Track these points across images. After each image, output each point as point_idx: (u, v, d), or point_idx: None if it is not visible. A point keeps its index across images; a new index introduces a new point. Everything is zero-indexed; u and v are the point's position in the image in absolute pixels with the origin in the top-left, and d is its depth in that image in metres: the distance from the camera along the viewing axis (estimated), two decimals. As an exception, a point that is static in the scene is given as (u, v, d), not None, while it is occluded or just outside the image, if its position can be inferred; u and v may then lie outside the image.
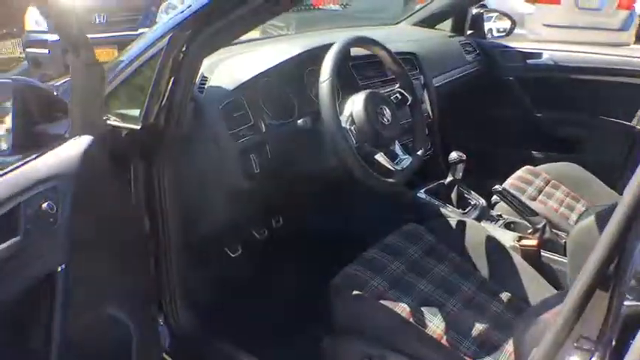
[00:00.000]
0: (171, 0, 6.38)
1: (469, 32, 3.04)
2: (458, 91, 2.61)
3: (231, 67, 1.75)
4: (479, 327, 1.44)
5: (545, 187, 2.23)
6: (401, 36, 2.68)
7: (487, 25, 3.18)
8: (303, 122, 1.69)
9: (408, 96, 1.81)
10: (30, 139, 1.29)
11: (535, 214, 1.93)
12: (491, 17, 3.43)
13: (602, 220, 1.42)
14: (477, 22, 3.07)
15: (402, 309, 1.44)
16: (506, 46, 2.94)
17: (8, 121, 1.29)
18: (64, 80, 2.23)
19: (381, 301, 1.45)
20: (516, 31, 3.16)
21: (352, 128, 1.60)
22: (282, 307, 1.95)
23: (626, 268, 0.83)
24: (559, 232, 1.95)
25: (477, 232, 1.76)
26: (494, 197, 2.14)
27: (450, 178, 2.13)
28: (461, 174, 2.10)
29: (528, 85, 2.87)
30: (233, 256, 1.98)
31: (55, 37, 5.95)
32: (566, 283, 1.68)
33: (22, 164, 1.20)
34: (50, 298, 1.21)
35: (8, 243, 1.12)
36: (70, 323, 1.24)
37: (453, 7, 2.92)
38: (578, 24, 6.25)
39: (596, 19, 6.44)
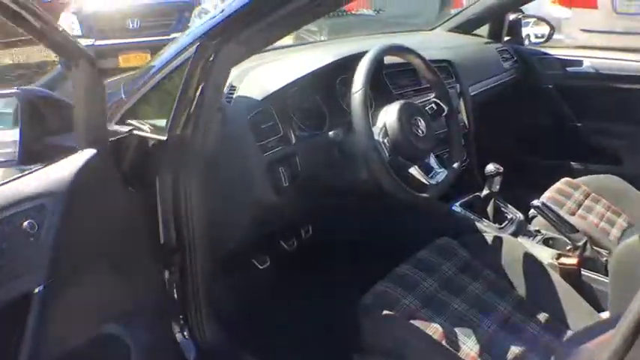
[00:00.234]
0: (204, 5, 6.42)
1: (506, 38, 2.95)
2: (494, 99, 2.53)
3: (260, 76, 1.71)
4: (515, 350, 1.38)
5: (585, 200, 2.14)
6: (436, 42, 2.60)
7: (524, 31, 3.09)
8: (334, 134, 1.64)
9: (444, 106, 1.75)
10: (39, 151, 1.27)
11: (575, 230, 1.85)
12: (529, 23, 3.34)
13: None
14: (515, 27, 2.97)
15: (435, 330, 1.39)
16: (545, 53, 2.84)
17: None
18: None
19: (413, 321, 1.40)
20: (553, 36, 3.05)
21: (385, 141, 1.54)
22: (310, 321, 1.89)
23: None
24: (600, 250, 1.87)
25: (514, 248, 1.69)
26: (532, 211, 2.05)
27: (486, 191, 2.05)
28: (498, 187, 2.02)
29: (568, 94, 2.77)
30: (261, 267, 1.94)
31: (88, 41, 6.04)
32: (606, 305, 1.59)
33: (15, 179, 1.18)
34: (23, 320, 1.16)
35: None
36: (46, 346, 1.20)
37: (490, 12, 2.82)
38: (617, 29, 6.07)
39: (635, 23, 6.25)
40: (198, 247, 1.51)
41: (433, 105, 1.74)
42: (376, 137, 1.52)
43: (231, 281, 1.81)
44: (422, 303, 1.46)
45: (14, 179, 1.17)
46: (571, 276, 1.68)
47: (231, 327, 1.66)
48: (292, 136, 1.63)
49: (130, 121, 1.49)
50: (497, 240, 1.72)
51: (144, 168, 1.42)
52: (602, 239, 1.95)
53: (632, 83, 2.60)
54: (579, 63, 2.73)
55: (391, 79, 2.00)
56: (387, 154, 1.53)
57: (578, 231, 1.84)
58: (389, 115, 1.58)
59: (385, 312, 1.42)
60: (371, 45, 1.66)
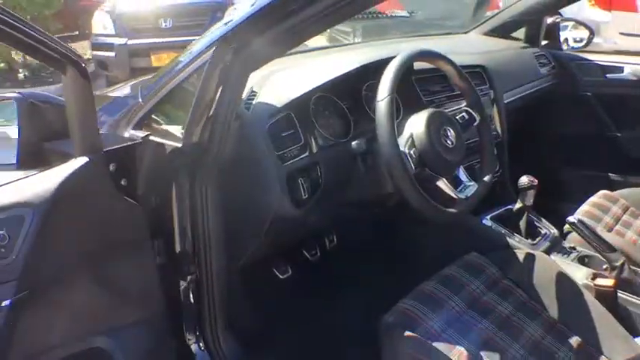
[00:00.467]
0: (237, 5, 6.39)
1: (543, 42, 2.83)
2: (530, 107, 2.43)
3: (282, 81, 1.64)
4: None
5: (623, 215, 2.07)
6: (470, 46, 2.51)
7: (562, 35, 2.96)
8: (357, 145, 1.56)
9: (476, 115, 1.66)
10: (38, 155, 1.24)
11: (612, 249, 1.76)
12: (567, 26, 3.21)
13: None
14: (553, 31, 2.86)
15: (459, 354, 1.33)
16: (584, 59, 2.72)
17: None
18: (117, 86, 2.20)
19: (435, 344, 1.34)
20: (592, 40, 2.93)
21: (412, 152, 1.46)
22: (331, 334, 1.83)
23: None
24: (638, 270, 1.77)
25: (547, 266, 1.62)
26: (567, 226, 1.95)
27: (519, 205, 1.95)
28: (531, 200, 1.92)
29: (607, 102, 2.65)
30: (282, 277, 1.89)
31: (121, 40, 6.07)
32: (643, 329, 1.52)
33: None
34: None
35: None
36: None
37: (527, 15, 2.71)
38: (657, 33, 5.88)
39: (676, 27, 6.05)
40: (215, 256, 1.47)
41: (464, 114, 1.65)
42: (402, 148, 1.44)
43: (250, 291, 1.76)
44: (446, 324, 1.41)
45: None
46: (607, 298, 1.59)
47: (248, 340, 1.61)
48: (314, 144, 1.56)
49: (146, 126, 1.45)
50: (530, 257, 1.64)
51: (160, 174, 1.37)
52: (641, 258, 1.86)
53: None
54: (619, 69, 2.63)
55: (421, 84, 1.92)
56: (413, 167, 1.45)
57: (615, 250, 1.75)
58: (416, 125, 1.50)
59: (407, 333, 1.36)
60: (402, 49, 1.59)
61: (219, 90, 1.30)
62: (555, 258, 1.83)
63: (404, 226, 1.97)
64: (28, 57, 8.07)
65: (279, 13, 1.21)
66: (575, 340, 1.42)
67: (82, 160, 1.20)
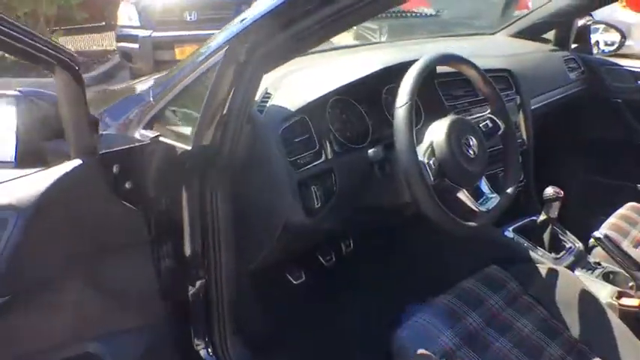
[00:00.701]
0: (253, 2, 6.35)
1: (573, 46, 2.73)
2: (558, 114, 2.34)
3: (298, 83, 1.58)
4: None
5: (653, 229, 1.98)
6: (496, 49, 2.43)
7: (593, 38, 2.87)
8: (374, 152, 1.49)
9: (501, 124, 1.58)
10: (36, 155, 1.20)
11: (638, 267, 1.69)
12: (598, 29, 3.11)
13: None
14: (583, 34, 2.77)
15: None
16: (614, 64, 2.63)
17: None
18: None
19: None
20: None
21: (431, 162, 1.39)
22: (343, 341, 1.79)
23: None
24: (666, 290, 1.70)
25: (570, 283, 1.56)
26: (592, 240, 1.90)
27: (543, 217, 1.88)
28: (556, 213, 1.85)
29: (638, 109, 2.56)
30: (295, 283, 1.84)
31: (145, 32, 6.07)
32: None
33: None
34: None
35: None
36: None
37: (557, 17, 2.60)
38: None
39: None
40: (225, 260, 1.43)
41: (488, 122, 1.57)
42: (421, 157, 1.37)
43: (261, 296, 1.72)
44: (462, 341, 1.36)
45: None
46: (631, 318, 1.54)
47: (258, 345, 1.57)
48: (329, 150, 1.50)
49: (156, 126, 1.40)
50: (553, 273, 1.59)
51: (169, 176, 1.33)
52: (670, 277, 1.79)
53: None
54: (652, 76, 2.53)
55: (444, 89, 1.85)
56: (432, 177, 1.38)
57: (642, 267, 1.70)
58: (437, 133, 1.43)
59: (420, 351, 1.32)
60: (425, 51, 1.53)
61: (232, 91, 1.25)
62: (579, 274, 1.79)
63: (422, 234, 1.91)
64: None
65: (295, 12, 1.15)
66: None
67: (75, 162, 1.16)
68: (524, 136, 2.11)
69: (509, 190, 1.56)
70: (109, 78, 7.45)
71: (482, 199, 1.52)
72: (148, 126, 1.41)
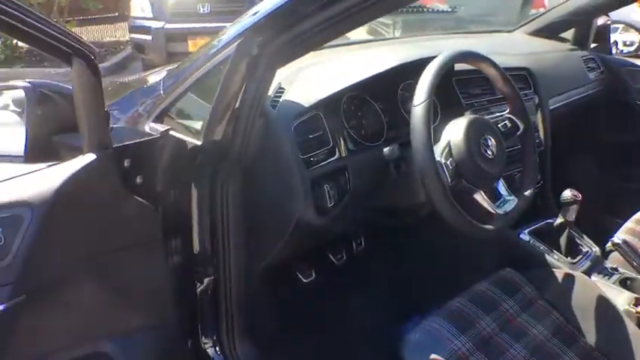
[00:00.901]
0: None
1: (593, 45, 2.68)
2: (575, 114, 2.29)
3: (312, 78, 1.55)
4: None
5: (672, 234, 1.92)
6: (514, 47, 2.37)
7: (611, 38, 2.82)
8: (390, 151, 1.46)
9: (520, 124, 1.54)
10: (47, 149, 1.17)
11: (657, 273, 1.66)
12: (617, 29, 3.05)
13: None
14: (603, 34, 2.71)
15: None
16: (635, 65, 2.58)
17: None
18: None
19: None
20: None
21: (448, 162, 1.35)
22: (353, 341, 1.76)
23: None
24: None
25: (587, 289, 1.53)
26: (610, 244, 1.88)
27: (560, 220, 1.83)
28: (574, 216, 1.80)
29: None
30: (305, 281, 1.81)
31: (158, 24, 6.05)
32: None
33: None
34: None
35: None
36: None
37: (576, 15, 2.53)
38: None
39: None
40: (234, 258, 1.40)
41: (507, 122, 1.54)
42: (437, 158, 1.34)
43: (271, 295, 1.69)
44: (475, 346, 1.33)
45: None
46: None
47: (267, 344, 1.55)
48: (343, 148, 1.47)
49: (167, 119, 1.38)
50: (569, 278, 1.55)
51: (179, 171, 1.30)
52: (690, 284, 1.75)
53: None
54: (674, 77, 2.47)
55: (461, 87, 1.81)
56: (449, 178, 1.34)
57: (660, 274, 1.66)
58: (455, 132, 1.40)
59: (432, 355, 1.29)
60: (442, 48, 1.49)
61: (244, 85, 1.22)
62: (596, 279, 1.73)
63: (435, 234, 1.88)
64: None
65: (310, 6, 1.12)
66: None
67: (89, 157, 1.12)
68: (542, 137, 2.07)
69: (527, 193, 1.53)
70: (121, 69, 7.46)
71: (499, 202, 1.48)
72: (158, 119, 1.37)
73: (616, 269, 1.80)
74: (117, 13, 9.63)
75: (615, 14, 2.92)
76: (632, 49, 2.82)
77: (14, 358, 1.09)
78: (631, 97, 2.54)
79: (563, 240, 1.85)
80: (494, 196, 1.48)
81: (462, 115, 1.52)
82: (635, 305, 1.56)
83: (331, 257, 1.86)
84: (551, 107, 2.11)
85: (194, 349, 1.44)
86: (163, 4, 6.14)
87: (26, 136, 1.18)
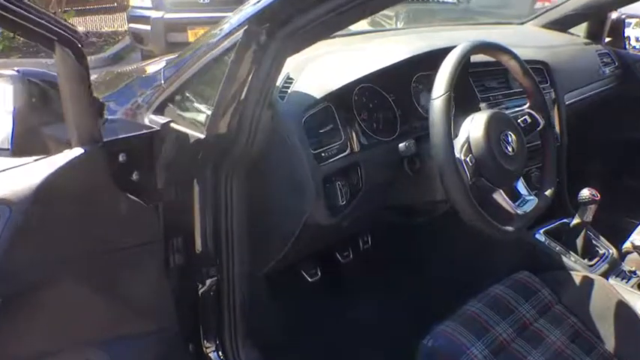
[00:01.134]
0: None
1: (606, 40, 2.59)
2: (591, 111, 2.21)
3: (323, 68, 1.47)
4: None
5: (691, 234, 1.87)
6: (529, 39, 2.30)
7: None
8: (405, 147, 1.38)
9: (540, 119, 1.47)
10: (35, 141, 1.10)
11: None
12: (630, 24, 2.98)
13: None
14: (617, 28, 2.62)
15: None
16: None
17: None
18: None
19: None
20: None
21: (468, 159, 1.28)
22: (358, 342, 1.72)
23: None
24: None
25: (606, 293, 1.49)
26: (627, 244, 1.80)
27: (576, 220, 1.76)
28: (591, 217, 1.73)
29: None
30: (310, 280, 1.75)
31: (158, 14, 5.98)
32: None
33: None
34: None
35: None
36: None
37: (591, 9, 2.44)
38: None
39: None
40: (238, 259, 1.34)
41: (527, 117, 1.46)
42: (457, 155, 1.26)
43: (275, 295, 1.64)
44: (492, 353, 1.30)
45: None
46: None
47: (270, 347, 1.49)
48: (355, 142, 1.39)
49: (167, 111, 1.29)
50: (587, 281, 1.52)
51: (180, 166, 1.22)
52: None
53: None
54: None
55: (477, 79, 1.74)
56: (469, 176, 1.27)
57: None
58: (474, 128, 1.32)
59: None
60: (455, 38, 1.42)
61: (250, 75, 1.14)
62: (613, 282, 1.68)
63: (446, 232, 1.80)
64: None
65: None
66: None
67: (76, 151, 1.04)
68: (558, 133, 1.99)
69: (547, 192, 1.47)
70: (120, 60, 7.40)
71: (519, 201, 1.42)
72: (158, 111, 1.30)
73: (634, 272, 1.76)
74: (115, 4, 9.54)
75: (627, 8, 2.84)
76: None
77: None
78: None
79: (579, 241, 1.80)
80: (514, 196, 1.42)
81: (477, 109, 1.45)
82: (656, 311, 1.52)
83: (337, 255, 1.80)
84: (567, 102, 2.03)
85: (195, 354, 1.38)
86: (162, -6, 6.06)
87: (13, 127, 1.11)
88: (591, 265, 1.75)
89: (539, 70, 1.97)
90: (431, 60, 1.40)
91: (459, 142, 1.30)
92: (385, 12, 4.29)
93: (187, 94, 1.28)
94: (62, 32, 0.96)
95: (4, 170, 1.02)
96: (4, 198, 0.98)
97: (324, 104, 1.36)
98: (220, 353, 1.40)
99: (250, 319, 1.41)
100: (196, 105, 1.27)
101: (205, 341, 1.39)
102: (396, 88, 1.54)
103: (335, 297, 1.81)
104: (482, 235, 1.34)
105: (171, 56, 1.91)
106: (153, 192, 1.19)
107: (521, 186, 1.44)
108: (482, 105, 1.51)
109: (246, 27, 1.10)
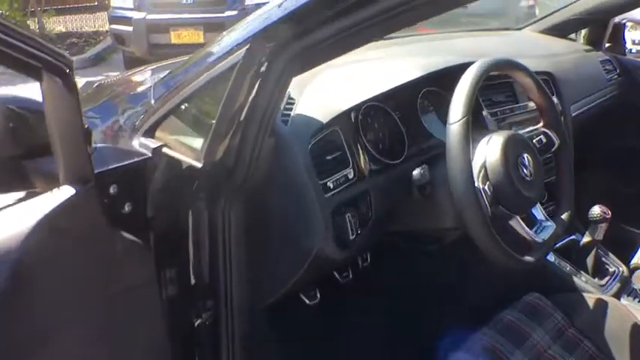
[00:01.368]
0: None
1: (606, 45, 2.52)
2: (595, 121, 2.14)
3: (327, 87, 1.37)
4: None
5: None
6: (529, 47, 2.22)
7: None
8: (420, 174, 1.29)
9: (555, 138, 1.39)
10: (16, 176, 1.01)
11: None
12: (626, 26, 2.92)
13: None
14: (616, 33, 2.56)
15: None
16: None
17: None
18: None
19: None
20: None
21: (486, 187, 1.19)
22: None
23: None
24: None
25: (619, 315, 1.44)
26: (636, 261, 1.76)
27: (587, 238, 1.69)
28: (602, 235, 1.66)
29: None
30: (309, 303, 1.65)
31: (140, 15, 5.86)
32: None
33: None
34: None
35: None
36: None
37: (593, 14, 2.36)
38: None
39: None
40: (237, 292, 1.24)
41: (542, 137, 1.38)
42: (476, 184, 1.17)
43: (274, 323, 1.53)
44: None
45: None
46: None
47: None
48: (364, 168, 1.30)
49: (159, 133, 1.19)
50: (601, 304, 1.47)
51: (174, 195, 1.13)
52: None
53: None
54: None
55: (483, 93, 1.64)
56: (488, 207, 1.18)
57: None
58: (491, 152, 1.23)
59: None
60: (459, 49, 1.33)
61: (251, 98, 1.03)
62: (626, 302, 1.64)
63: (452, 249, 1.73)
64: (46, 27, 7.92)
65: (332, 9, 0.94)
66: None
67: (66, 191, 0.93)
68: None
69: (564, 216, 1.39)
70: (101, 61, 7.27)
71: (536, 227, 1.33)
72: (149, 133, 1.19)
73: (644, 290, 1.72)
74: (96, 2, 9.38)
75: (628, 13, 2.78)
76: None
77: None
78: None
79: (590, 260, 1.74)
80: (530, 221, 1.33)
81: (484, 127, 1.38)
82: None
83: (336, 275, 1.71)
84: (573, 114, 1.95)
85: None
86: (144, -6, 5.94)
87: None
88: (603, 285, 1.69)
89: (545, 81, 1.88)
90: (439, 76, 1.32)
91: (475, 167, 1.22)
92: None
93: (181, 117, 1.18)
94: (49, 58, 0.84)
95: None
96: None
97: (331, 128, 1.26)
98: None
99: (251, 355, 1.32)
100: (191, 129, 1.17)
101: None
102: (402, 106, 1.45)
103: (336, 320, 1.71)
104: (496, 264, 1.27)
105: (156, 65, 1.80)
106: (145, 222, 1.09)
107: (537, 211, 1.36)
108: (488, 119, 1.44)
109: (248, 45, 1.01)
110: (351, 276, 1.69)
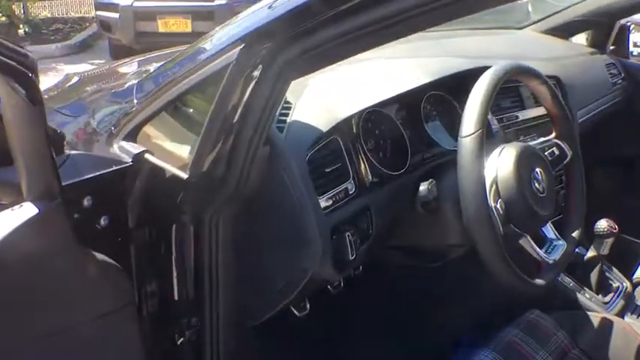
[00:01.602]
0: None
1: (610, 48, 2.44)
2: (600, 128, 2.06)
3: (327, 90, 1.28)
4: None
5: None
6: (533, 49, 2.14)
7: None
8: (427, 190, 1.20)
9: (567, 150, 1.31)
10: None
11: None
12: (631, 29, 2.85)
13: None
14: (621, 36, 2.48)
15: None
16: None
17: None
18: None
19: None
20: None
21: (498, 205, 1.10)
22: None
23: None
24: None
25: (623, 335, 1.39)
26: (638, 275, 1.72)
27: (592, 253, 1.62)
28: (607, 250, 1.59)
29: None
30: (299, 315, 1.57)
31: (127, 1, 5.76)
32: None
33: None
34: None
35: None
36: None
37: (599, 16, 2.30)
38: None
39: None
40: (223, 310, 1.15)
41: (554, 149, 1.29)
42: (490, 203, 1.08)
43: (262, 337, 1.47)
44: None
45: None
46: None
47: None
48: (365, 181, 1.21)
49: (141, 138, 1.10)
50: (606, 323, 1.40)
51: (156, 207, 1.04)
52: None
53: None
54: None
55: None
56: (500, 227, 1.09)
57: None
58: (502, 166, 1.14)
59: None
60: (461, 51, 1.29)
61: (244, 103, 0.94)
62: (630, 321, 1.58)
63: (450, 270, 1.65)
64: (31, 12, 7.78)
65: (335, 8, 0.85)
66: None
67: (28, 210, 0.83)
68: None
69: (574, 234, 1.31)
70: (87, 48, 7.14)
71: (546, 247, 1.25)
72: (130, 137, 1.09)
73: (648, 308, 1.67)
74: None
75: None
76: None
77: None
78: None
79: (594, 276, 1.67)
80: (539, 239, 1.25)
81: (490, 134, 1.32)
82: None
83: (328, 286, 1.63)
84: (580, 120, 1.88)
85: None
86: (131, -20, 5.80)
87: None
88: (606, 303, 1.62)
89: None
90: (445, 81, 1.25)
91: (486, 183, 1.12)
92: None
93: (167, 120, 1.08)
94: (7, 60, 0.73)
95: None
96: None
97: (330, 137, 1.17)
98: None
99: None
100: (177, 134, 1.07)
101: None
102: (405, 110, 1.37)
103: (325, 330, 1.66)
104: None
105: (144, 57, 1.70)
106: (124, 235, 1.00)
107: (548, 229, 1.28)
108: (500, 132, 1.36)
109: (242, 45, 0.91)
110: (342, 285, 1.62)
